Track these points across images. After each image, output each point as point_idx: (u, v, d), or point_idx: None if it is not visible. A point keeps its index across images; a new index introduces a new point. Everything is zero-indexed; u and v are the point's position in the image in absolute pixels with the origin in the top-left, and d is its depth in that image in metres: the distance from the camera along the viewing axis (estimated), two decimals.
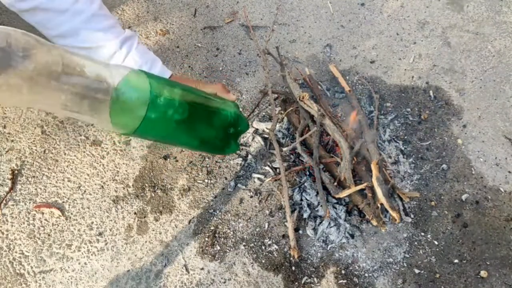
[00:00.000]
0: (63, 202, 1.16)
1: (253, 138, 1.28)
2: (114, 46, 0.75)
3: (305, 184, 1.18)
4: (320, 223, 1.13)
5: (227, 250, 1.11)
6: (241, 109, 1.34)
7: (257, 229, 1.14)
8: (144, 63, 0.77)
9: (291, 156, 1.25)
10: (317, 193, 1.15)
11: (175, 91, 0.64)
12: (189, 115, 0.65)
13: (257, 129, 1.30)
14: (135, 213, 1.16)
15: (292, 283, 1.06)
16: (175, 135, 0.67)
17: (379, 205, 1.07)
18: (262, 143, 1.27)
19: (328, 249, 1.11)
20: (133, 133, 0.61)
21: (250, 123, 1.31)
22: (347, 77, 1.42)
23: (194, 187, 1.20)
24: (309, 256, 1.10)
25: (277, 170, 1.23)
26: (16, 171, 1.19)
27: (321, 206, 1.12)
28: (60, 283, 1.05)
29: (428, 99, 1.38)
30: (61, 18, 0.72)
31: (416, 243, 1.12)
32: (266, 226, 1.14)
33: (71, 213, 1.14)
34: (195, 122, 0.67)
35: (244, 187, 1.20)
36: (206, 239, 1.12)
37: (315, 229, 1.13)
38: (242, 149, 1.27)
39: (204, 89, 0.74)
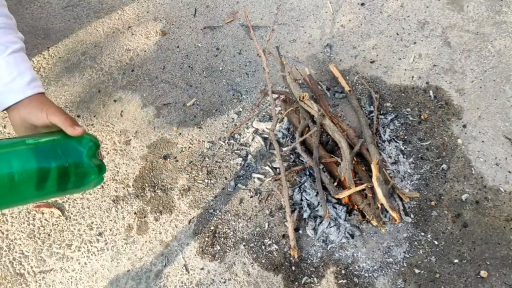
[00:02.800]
0: (63, 202, 1.16)
1: (253, 138, 1.28)
2: None
3: (305, 184, 1.18)
4: (320, 223, 1.13)
5: (227, 250, 1.11)
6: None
7: (257, 229, 1.14)
8: (7, 74, 0.70)
9: (291, 156, 1.25)
10: (317, 193, 1.15)
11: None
12: (24, 173, 0.58)
13: (257, 129, 1.30)
14: (135, 213, 1.16)
15: (292, 283, 1.06)
16: (23, 197, 0.61)
17: (379, 205, 1.07)
18: (262, 143, 1.27)
19: (328, 249, 1.11)
20: None
21: (250, 123, 1.31)
22: (347, 77, 1.42)
23: (194, 187, 1.20)
24: (309, 256, 1.10)
25: (277, 170, 1.23)
26: None
27: (321, 206, 1.12)
28: (60, 283, 1.05)
29: (428, 99, 1.38)
30: None
31: (416, 243, 1.12)
32: (266, 226, 1.14)
33: (71, 213, 1.14)
34: (36, 177, 0.60)
35: (244, 187, 1.20)
36: (206, 239, 1.12)
37: (315, 229, 1.13)
38: (242, 149, 1.27)
39: (52, 118, 0.66)
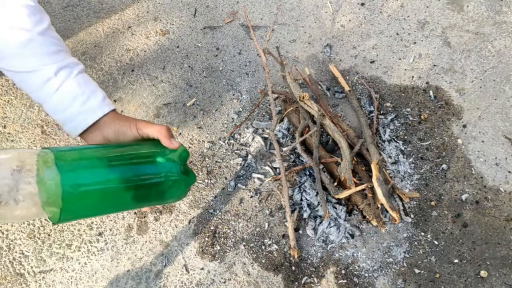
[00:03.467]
0: None
1: (253, 138, 1.28)
2: (49, 72, 0.69)
3: (305, 184, 1.18)
4: (320, 223, 1.13)
5: (227, 250, 1.11)
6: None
7: (257, 229, 1.14)
8: (80, 94, 0.69)
9: (291, 156, 1.25)
10: (317, 193, 1.15)
11: (93, 162, 0.57)
12: (115, 183, 0.58)
13: (257, 129, 1.30)
14: (135, 213, 1.16)
15: (292, 283, 1.06)
16: (107, 207, 0.60)
17: (379, 205, 1.07)
18: (262, 143, 1.27)
19: (328, 249, 1.11)
20: (59, 222, 0.55)
21: (250, 123, 1.31)
22: (347, 77, 1.42)
23: (194, 187, 1.20)
24: (309, 256, 1.10)
25: (277, 170, 1.23)
26: None
27: (321, 206, 1.12)
28: (60, 283, 1.05)
29: (428, 99, 1.38)
30: None
31: (416, 243, 1.12)
32: (266, 226, 1.14)
33: None
34: (125, 187, 0.59)
35: (244, 187, 1.20)
36: (206, 239, 1.12)
37: (315, 229, 1.13)
38: (242, 149, 1.27)
39: (144, 130, 0.66)
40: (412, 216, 1.16)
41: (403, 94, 1.39)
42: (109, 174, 0.58)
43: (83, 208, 0.56)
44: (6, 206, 0.50)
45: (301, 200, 1.17)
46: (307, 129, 1.22)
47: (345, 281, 1.07)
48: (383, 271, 1.08)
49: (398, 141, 1.28)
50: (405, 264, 1.09)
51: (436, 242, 1.13)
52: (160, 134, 0.65)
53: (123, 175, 0.59)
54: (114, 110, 0.72)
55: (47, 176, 0.52)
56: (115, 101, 1.35)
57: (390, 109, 1.35)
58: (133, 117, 0.79)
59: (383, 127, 1.30)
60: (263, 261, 1.09)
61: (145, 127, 0.66)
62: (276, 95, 1.33)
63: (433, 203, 1.18)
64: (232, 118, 1.33)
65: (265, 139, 1.28)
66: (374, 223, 1.06)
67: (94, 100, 0.70)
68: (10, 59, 0.69)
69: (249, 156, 1.25)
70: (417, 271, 1.09)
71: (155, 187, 0.62)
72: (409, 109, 1.35)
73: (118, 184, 0.58)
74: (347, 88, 1.33)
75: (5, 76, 1.39)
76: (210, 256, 1.10)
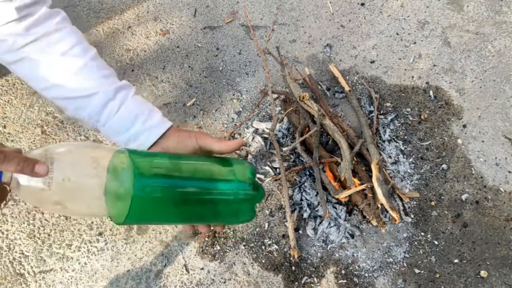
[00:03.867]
0: None
1: (253, 138, 1.28)
2: (108, 94, 0.69)
3: (305, 184, 1.18)
4: (320, 223, 1.13)
5: (227, 250, 1.11)
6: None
7: (257, 229, 1.14)
8: (140, 113, 0.71)
9: (291, 156, 1.25)
10: (317, 193, 1.15)
11: (165, 170, 0.56)
12: (185, 194, 0.57)
13: (257, 129, 1.30)
14: None
15: (292, 283, 1.06)
16: (173, 218, 0.59)
17: (379, 205, 1.07)
18: (262, 143, 1.27)
19: (328, 249, 1.11)
20: (124, 223, 0.54)
21: (250, 123, 1.31)
22: (347, 77, 1.42)
23: None
24: (309, 256, 1.10)
25: (277, 170, 1.23)
26: None
27: (321, 206, 1.12)
28: (60, 283, 1.05)
29: (428, 99, 1.38)
30: (51, 69, 0.68)
31: (416, 243, 1.12)
32: (266, 226, 1.14)
33: None
34: (193, 199, 0.58)
35: None
36: (206, 239, 1.12)
37: (315, 229, 1.13)
38: (242, 149, 1.27)
39: (203, 141, 0.66)
40: (412, 216, 1.16)
41: (403, 94, 1.39)
42: (181, 183, 0.57)
43: (150, 213, 0.56)
44: (72, 199, 0.50)
45: (301, 200, 1.17)
46: (307, 129, 1.22)
47: (345, 281, 1.07)
48: (383, 271, 1.08)
49: (398, 141, 1.28)
50: (405, 264, 1.09)
51: (436, 242, 1.13)
52: (216, 146, 0.65)
53: (195, 186, 0.58)
54: (172, 125, 0.72)
55: (121, 176, 0.52)
56: None
57: (390, 109, 1.35)
58: None
59: (383, 127, 1.30)
60: (263, 261, 1.09)
61: (201, 138, 0.66)
62: (276, 95, 1.33)
63: (433, 203, 1.18)
64: (232, 118, 1.33)
65: (265, 139, 1.28)
66: (374, 223, 1.06)
67: (155, 117, 0.71)
68: (65, 87, 0.69)
69: (249, 156, 1.25)
70: (417, 271, 1.09)
71: (225, 201, 0.61)
72: (409, 109, 1.35)
73: (188, 195, 0.57)
74: (347, 88, 1.33)
75: (5, 76, 1.39)
76: (210, 256, 1.10)
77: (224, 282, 1.06)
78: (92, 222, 1.14)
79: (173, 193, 0.56)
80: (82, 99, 0.70)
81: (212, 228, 0.67)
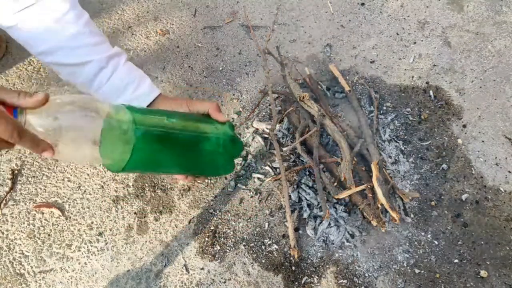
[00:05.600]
0: (63, 202, 1.16)
1: (253, 138, 1.28)
2: (100, 63, 0.73)
3: (305, 184, 1.18)
4: (320, 223, 1.13)
5: (227, 250, 1.11)
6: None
7: (257, 229, 1.14)
8: (131, 81, 0.74)
9: (291, 156, 1.25)
10: (317, 192, 1.15)
11: (162, 122, 0.62)
12: (177, 145, 0.63)
13: (257, 129, 1.30)
14: (135, 213, 1.16)
15: (292, 283, 1.06)
16: (164, 166, 0.66)
17: (379, 205, 1.07)
18: (262, 143, 1.27)
19: (328, 249, 1.11)
20: (122, 171, 0.59)
21: (250, 123, 1.31)
22: (347, 77, 1.42)
23: (194, 187, 1.20)
24: (309, 256, 1.10)
25: (277, 170, 1.23)
26: (16, 171, 1.19)
27: (321, 206, 1.12)
28: (60, 283, 1.05)
29: (428, 99, 1.38)
30: (46, 35, 0.71)
31: (416, 243, 1.12)
32: (266, 226, 1.14)
33: (71, 213, 1.15)
34: (185, 150, 0.65)
35: (244, 187, 1.20)
36: (206, 239, 1.12)
37: (315, 229, 1.13)
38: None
39: (195, 107, 0.71)
40: (412, 216, 1.16)
41: (403, 94, 1.39)
42: (175, 132, 0.63)
43: (146, 161, 0.61)
44: (70, 145, 0.54)
45: (301, 200, 1.17)
46: (307, 129, 1.22)
47: (345, 281, 1.07)
48: (383, 271, 1.08)
49: (398, 141, 1.28)
50: (405, 264, 1.09)
51: (436, 242, 1.13)
52: (211, 108, 0.70)
53: (186, 135, 0.65)
54: (161, 93, 0.77)
55: (121, 125, 0.57)
56: None
57: (390, 109, 1.35)
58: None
59: (383, 127, 1.30)
60: (263, 261, 1.09)
61: (196, 104, 0.71)
62: (276, 95, 1.33)
63: (433, 203, 1.18)
64: (232, 118, 1.33)
65: (265, 139, 1.28)
66: (374, 223, 1.06)
67: (144, 85, 0.75)
68: (60, 53, 0.72)
69: (249, 156, 1.25)
70: (417, 271, 1.09)
71: (210, 149, 0.68)
72: (409, 109, 1.35)
73: (180, 143, 0.64)
74: (347, 88, 1.33)
75: (5, 76, 1.39)
76: (210, 256, 1.10)
77: (224, 282, 1.06)
78: (92, 222, 1.14)
79: (167, 141, 0.62)
80: (76, 66, 0.73)
81: (196, 179, 0.72)
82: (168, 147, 0.62)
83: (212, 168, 0.72)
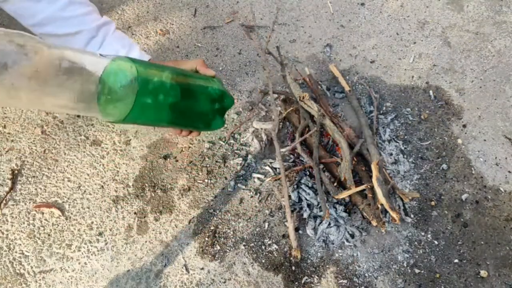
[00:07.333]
0: (63, 202, 1.16)
1: (253, 138, 1.28)
2: (91, 32, 0.76)
3: (305, 183, 1.18)
4: (320, 223, 1.13)
5: (227, 250, 1.11)
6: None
7: (257, 229, 1.14)
8: (121, 47, 0.78)
9: (291, 156, 1.25)
10: (317, 192, 1.15)
11: (162, 74, 0.64)
12: (177, 96, 0.66)
13: (257, 129, 1.30)
14: (135, 213, 1.16)
15: (292, 283, 1.06)
16: (163, 117, 0.67)
17: (379, 205, 1.07)
18: (262, 143, 1.27)
19: (328, 249, 1.11)
20: (123, 121, 0.60)
21: (250, 123, 1.31)
22: (347, 77, 1.42)
23: (194, 187, 1.20)
24: (309, 256, 1.10)
25: (277, 170, 1.23)
26: (16, 171, 1.19)
27: (321, 206, 1.12)
28: (60, 283, 1.05)
29: (428, 99, 1.38)
30: (37, 7, 0.73)
31: (416, 243, 1.12)
32: (266, 226, 1.14)
33: (71, 213, 1.15)
34: (183, 101, 0.68)
35: (244, 187, 1.20)
36: (206, 239, 1.12)
37: (315, 229, 1.13)
38: (242, 149, 1.27)
39: (184, 66, 0.75)
40: (412, 216, 1.16)
41: (403, 94, 1.39)
42: (174, 85, 0.66)
43: (147, 111, 0.63)
44: (70, 92, 0.55)
45: (301, 200, 1.17)
46: (307, 129, 1.22)
47: (345, 281, 1.07)
48: (383, 271, 1.08)
49: (398, 141, 1.28)
50: (405, 264, 1.09)
51: (436, 242, 1.13)
52: (199, 64, 0.74)
53: (183, 86, 0.68)
54: (151, 58, 0.80)
55: (125, 74, 0.58)
56: None
57: (390, 109, 1.35)
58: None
59: (383, 127, 1.30)
60: (263, 261, 1.09)
61: (184, 63, 0.75)
62: (276, 95, 1.33)
63: (433, 203, 1.18)
64: (232, 118, 1.33)
65: (265, 139, 1.28)
66: (374, 223, 1.06)
67: (134, 51, 0.79)
68: (52, 24, 0.75)
69: (249, 156, 1.25)
70: (417, 271, 1.09)
71: (203, 101, 0.72)
72: (409, 109, 1.35)
73: (178, 94, 0.67)
74: (347, 88, 1.33)
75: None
76: (210, 256, 1.10)
77: (224, 282, 1.06)
78: (92, 222, 1.14)
79: (166, 91, 0.64)
80: (68, 37, 0.76)
81: (190, 134, 0.78)
82: (166, 97, 0.64)
83: (206, 120, 0.75)
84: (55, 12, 0.74)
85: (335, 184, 1.15)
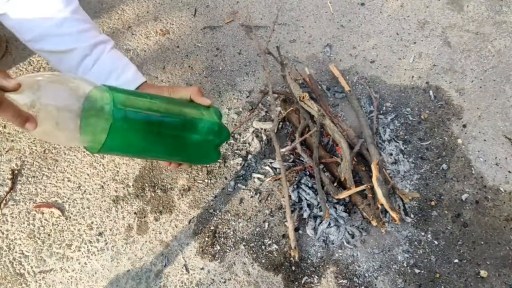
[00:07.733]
0: (63, 202, 1.16)
1: (253, 138, 1.28)
2: (84, 50, 0.74)
3: (305, 183, 1.18)
4: (320, 223, 1.13)
5: (227, 250, 1.11)
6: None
7: (257, 229, 1.14)
8: (114, 69, 0.75)
9: (291, 156, 1.25)
10: (317, 192, 1.15)
11: (143, 104, 0.61)
12: (159, 128, 0.62)
13: (257, 129, 1.30)
14: (135, 213, 1.16)
15: (292, 283, 1.06)
16: (144, 150, 0.64)
17: (379, 205, 1.07)
18: (262, 143, 1.27)
19: (328, 249, 1.11)
20: (99, 152, 0.58)
21: (250, 123, 1.31)
22: (347, 77, 1.42)
23: (194, 187, 1.20)
24: (309, 256, 1.10)
25: (277, 170, 1.23)
26: (16, 171, 1.19)
27: (321, 206, 1.12)
28: (60, 283, 1.05)
29: (428, 99, 1.38)
30: (33, 23, 0.73)
31: (416, 243, 1.12)
32: (266, 226, 1.14)
33: (71, 213, 1.15)
34: (167, 134, 0.63)
35: (244, 187, 1.20)
36: (206, 239, 1.12)
37: (315, 229, 1.13)
38: (242, 149, 1.27)
39: (178, 94, 0.71)
40: (412, 216, 1.16)
41: (403, 94, 1.39)
42: (156, 114, 0.62)
43: (125, 142, 0.60)
44: (51, 125, 0.53)
45: (301, 200, 1.17)
46: (307, 129, 1.22)
47: (345, 281, 1.07)
48: (383, 271, 1.08)
49: (398, 141, 1.28)
50: (405, 264, 1.09)
51: (436, 242, 1.13)
52: (193, 93, 0.70)
53: (168, 119, 0.63)
54: (146, 81, 0.77)
55: (100, 105, 0.56)
56: None
57: (390, 109, 1.35)
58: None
59: (383, 127, 1.30)
60: (263, 261, 1.09)
61: (179, 90, 0.72)
62: (276, 95, 1.33)
63: (433, 203, 1.18)
64: (232, 118, 1.33)
65: (265, 139, 1.28)
66: (374, 223, 1.06)
67: (128, 73, 0.76)
68: (47, 40, 0.74)
69: (249, 156, 1.25)
70: (417, 271, 1.09)
71: (194, 136, 0.67)
72: (409, 109, 1.35)
73: (161, 126, 0.62)
74: (347, 88, 1.33)
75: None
76: (210, 256, 1.10)
77: (224, 282, 1.06)
78: (92, 222, 1.14)
79: (147, 123, 0.61)
80: (62, 54, 0.74)
81: (180, 166, 0.73)
82: (149, 129, 0.61)
83: (196, 155, 0.70)
84: (51, 28, 0.73)
85: (335, 184, 1.15)
